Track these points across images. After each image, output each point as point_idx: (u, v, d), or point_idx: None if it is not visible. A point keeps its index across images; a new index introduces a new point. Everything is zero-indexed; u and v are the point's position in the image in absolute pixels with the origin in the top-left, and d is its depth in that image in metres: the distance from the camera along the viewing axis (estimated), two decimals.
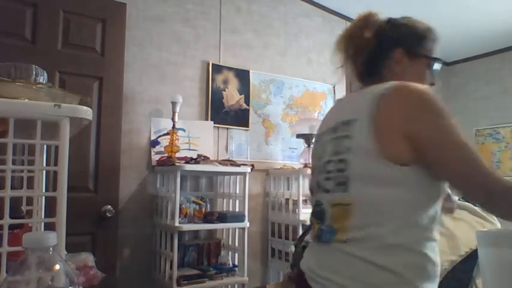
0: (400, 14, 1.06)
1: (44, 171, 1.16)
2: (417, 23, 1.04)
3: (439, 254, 0.89)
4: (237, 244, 2.53)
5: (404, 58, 1.00)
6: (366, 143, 0.85)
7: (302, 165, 2.83)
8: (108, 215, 2.14)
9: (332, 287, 0.85)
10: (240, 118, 2.87)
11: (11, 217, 0.74)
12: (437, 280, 0.89)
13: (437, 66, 1.03)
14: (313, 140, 2.15)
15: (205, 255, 2.51)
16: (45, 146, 1.16)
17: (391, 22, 1.04)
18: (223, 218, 2.38)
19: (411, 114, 0.85)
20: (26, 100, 0.77)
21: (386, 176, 0.83)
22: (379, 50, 1.01)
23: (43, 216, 1.09)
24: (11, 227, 0.77)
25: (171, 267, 2.19)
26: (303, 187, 2.67)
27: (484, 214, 1.68)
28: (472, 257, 1.49)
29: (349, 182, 0.87)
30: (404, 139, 0.83)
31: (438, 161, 0.84)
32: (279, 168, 2.93)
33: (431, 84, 1.04)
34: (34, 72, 0.88)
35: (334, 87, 3.37)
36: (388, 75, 0.99)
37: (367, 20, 1.02)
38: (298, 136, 2.91)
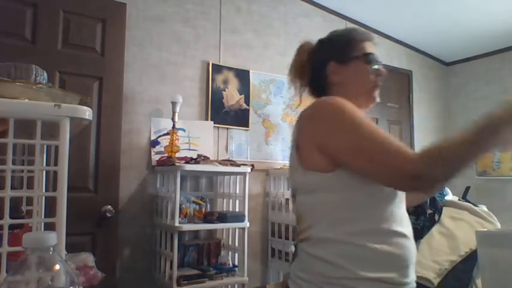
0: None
1: (44, 171, 1.16)
2: (340, 32, 1.11)
3: (403, 245, 0.92)
4: (237, 244, 2.53)
5: (338, 68, 1.05)
6: (293, 160, 1.00)
7: None
8: (108, 215, 2.14)
9: (303, 284, 0.94)
10: (240, 118, 2.87)
11: (11, 217, 0.74)
12: (405, 271, 0.91)
13: (374, 59, 1.05)
14: None
15: (205, 255, 2.51)
16: (45, 146, 1.16)
17: (319, 42, 1.12)
18: (223, 218, 2.38)
19: (318, 128, 0.94)
20: (26, 100, 0.77)
21: (312, 184, 0.95)
22: (317, 70, 1.09)
23: (43, 216, 1.09)
24: (11, 227, 0.77)
25: (171, 267, 2.19)
26: None
27: (484, 214, 1.68)
28: (472, 257, 1.49)
29: (296, 194, 1.03)
30: (317, 151, 0.93)
31: (347, 164, 0.90)
32: (279, 168, 2.92)
33: (380, 75, 1.05)
34: (34, 72, 0.88)
35: None
36: (332, 88, 1.06)
37: (301, 49, 1.13)
38: None
